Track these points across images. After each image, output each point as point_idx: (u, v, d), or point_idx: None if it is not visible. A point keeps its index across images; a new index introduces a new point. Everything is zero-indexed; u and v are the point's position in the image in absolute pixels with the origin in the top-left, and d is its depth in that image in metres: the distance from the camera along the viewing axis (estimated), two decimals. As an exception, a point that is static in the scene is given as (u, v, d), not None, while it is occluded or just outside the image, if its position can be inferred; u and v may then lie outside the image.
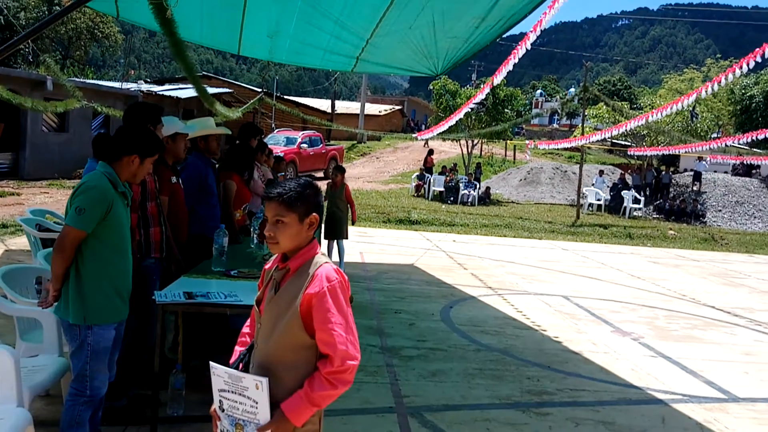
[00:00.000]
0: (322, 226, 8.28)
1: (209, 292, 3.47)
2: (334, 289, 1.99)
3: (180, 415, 3.77)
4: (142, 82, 31.09)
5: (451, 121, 13.26)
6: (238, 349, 2.26)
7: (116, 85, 25.53)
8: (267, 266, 2.20)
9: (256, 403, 1.93)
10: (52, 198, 14.67)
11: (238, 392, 1.96)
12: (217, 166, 5.31)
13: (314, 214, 2.08)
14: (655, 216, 21.84)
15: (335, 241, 8.78)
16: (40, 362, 3.31)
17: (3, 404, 2.66)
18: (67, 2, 9.32)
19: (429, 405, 4.36)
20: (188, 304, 3.32)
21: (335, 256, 8.70)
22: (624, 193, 21.74)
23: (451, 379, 4.90)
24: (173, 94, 24.42)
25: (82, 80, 25.95)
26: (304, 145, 23.16)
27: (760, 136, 15.46)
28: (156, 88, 25.61)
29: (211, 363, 2.03)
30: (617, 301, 8.43)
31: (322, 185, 8.07)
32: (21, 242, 8.72)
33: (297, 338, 1.98)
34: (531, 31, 8.05)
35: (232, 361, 2.20)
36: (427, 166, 23.44)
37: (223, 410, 2.03)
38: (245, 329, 2.30)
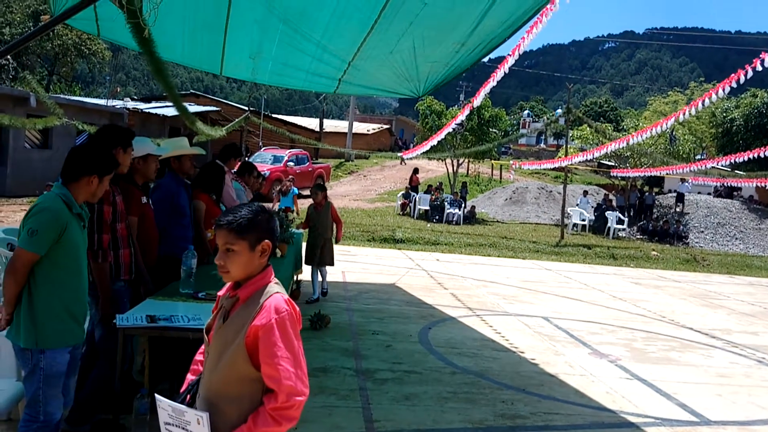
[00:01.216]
0: (302, 251, 7.93)
1: (172, 315, 3.42)
2: (282, 322, 1.93)
3: (144, 440, 3.70)
4: (128, 99, 31.04)
5: (433, 141, 13.34)
6: (189, 377, 2.21)
7: (102, 102, 25.47)
8: (220, 293, 2.17)
9: None
10: (33, 215, 14.51)
11: (182, 426, 1.92)
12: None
13: (266, 241, 2.05)
14: (638, 237, 22.00)
15: (319, 268, 8.16)
16: (-4, 387, 3.24)
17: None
18: (48, 19, 9.29)
19: (400, 430, 4.30)
20: (150, 328, 3.27)
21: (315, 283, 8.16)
22: (608, 213, 21.89)
23: (424, 403, 4.85)
24: (159, 111, 24.38)
25: (67, 97, 25.87)
26: (291, 164, 23.18)
27: (741, 159, 15.66)
28: (142, 106, 25.57)
29: (156, 395, 1.99)
30: (597, 322, 8.43)
31: (306, 204, 8.06)
32: (-4, 260, 8.60)
33: (242, 370, 1.93)
34: (509, 55, 8.13)
35: (182, 390, 2.16)
36: (413, 185, 23.51)
37: None
38: (198, 356, 2.25)
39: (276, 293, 2.01)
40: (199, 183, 5.36)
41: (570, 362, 6.39)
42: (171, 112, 24.11)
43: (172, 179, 4.90)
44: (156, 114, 24.16)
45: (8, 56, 21.82)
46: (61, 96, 25.85)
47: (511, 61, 7.65)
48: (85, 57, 41.49)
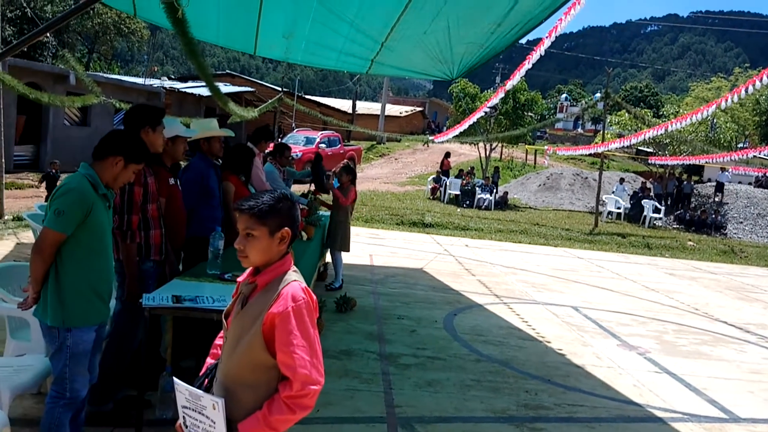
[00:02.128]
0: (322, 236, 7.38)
1: (198, 296, 3.46)
2: (299, 310, 1.93)
3: (169, 417, 3.76)
4: (165, 78, 31.42)
5: (464, 125, 13.18)
6: (208, 361, 2.23)
7: (139, 80, 25.83)
8: (240, 278, 2.17)
9: (214, 423, 1.90)
10: (71, 191, 14.87)
11: (198, 410, 1.94)
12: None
13: (286, 228, 2.04)
14: (675, 226, 21.49)
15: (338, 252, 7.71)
16: (26, 362, 3.33)
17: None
18: (86, -1, 9.44)
19: (421, 416, 4.30)
20: (175, 309, 3.31)
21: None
22: (644, 201, 21.42)
23: (446, 390, 4.83)
24: (195, 91, 24.64)
25: (105, 75, 26.31)
26: (323, 145, 23.25)
27: (785, 148, 15.12)
28: (178, 85, 25.88)
29: (174, 379, 2.01)
30: (628, 313, 8.29)
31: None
32: (33, 236, 8.84)
33: (258, 357, 1.94)
34: (546, 37, 7.97)
35: (201, 373, 2.18)
36: (444, 169, 23.33)
37: (186, 426, 2.02)
38: (218, 340, 2.27)
39: (294, 281, 2.01)
40: (228, 164, 5.39)
41: (598, 353, 6.30)
42: (207, 92, 24.34)
43: (202, 160, 4.93)
44: (192, 93, 24.43)
45: (49, 34, 22.24)
46: (100, 74, 26.32)
47: (547, 43, 7.50)
48: (124, 36, 42.13)
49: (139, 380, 3.67)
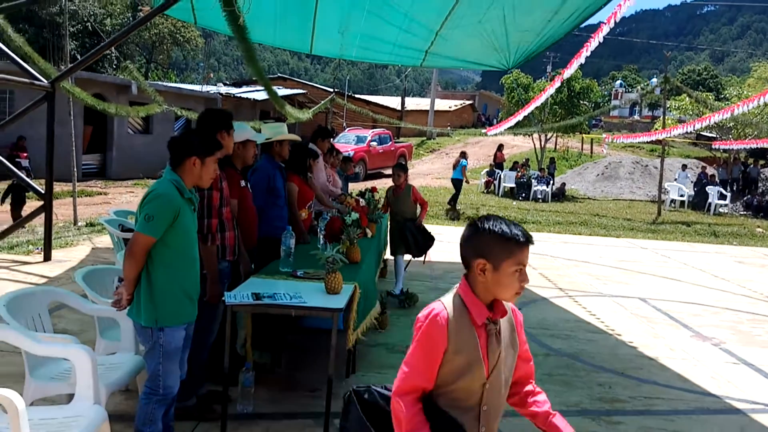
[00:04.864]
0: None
1: (276, 293, 3.56)
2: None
3: (249, 412, 3.90)
4: (221, 84, 32.19)
5: (520, 115, 12.99)
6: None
7: (197, 87, 26.55)
8: (480, 321, 1.92)
9: None
10: (137, 197, 15.44)
11: None
12: None
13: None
14: (742, 212, 20.63)
15: (400, 256, 7.26)
16: (117, 360, 3.49)
17: (81, 402, 2.83)
18: (147, 11, 9.81)
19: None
20: (255, 305, 3.42)
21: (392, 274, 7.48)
22: (709, 188, 20.65)
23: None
24: (250, 96, 25.15)
25: (165, 84, 27.15)
26: (374, 144, 23.36)
27: None
28: (234, 91, 26.45)
29: None
30: (698, 303, 8.03)
31: (388, 183, 8.04)
32: (107, 240, 9.23)
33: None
34: (605, 23, 7.79)
35: None
36: (497, 162, 23.07)
37: None
38: (418, 416, 1.89)
39: None
40: (289, 165, 5.51)
41: (670, 345, 6.13)
42: (261, 96, 24.82)
43: (268, 162, 5.06)
44: (247, 98, 24.94)
45: (112, 47, 23.10)
46: (159, 83, 27.20)
47: (606, 29, 7.32)
48: (179, 44, 43.42)
49: (221, 376, 3.79)
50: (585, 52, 8.26)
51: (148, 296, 2.89)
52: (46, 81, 7.96)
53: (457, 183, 16.46)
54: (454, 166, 16.61)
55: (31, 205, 9.80)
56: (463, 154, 17.19)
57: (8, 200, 9.91)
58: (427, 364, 1.88)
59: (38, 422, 2.65)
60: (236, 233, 4.00)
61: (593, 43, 7.95)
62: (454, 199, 16.55)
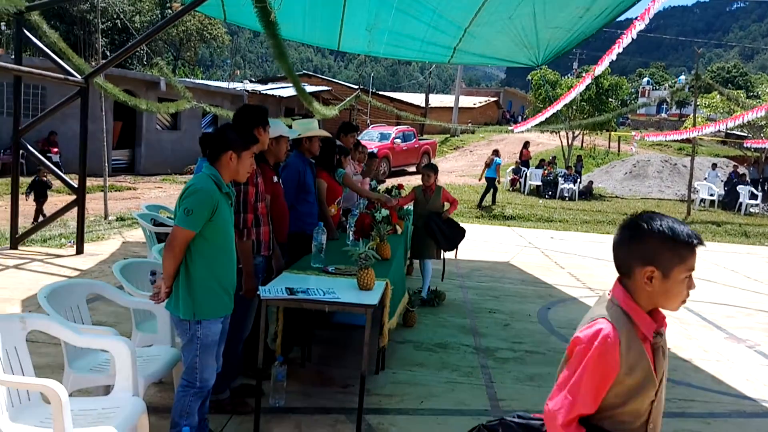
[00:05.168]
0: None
1: (309, 288, 3.56)
2: None
3: (281, 405, 3.92)
4: (247, 81, 32.43)
5: (548, 112, 12.86)
6: None
7: (223, 84, 26.79)
8: (648, 331, 1.78)
9: None
10: (165, 192, 15.63)
11: None
12: None
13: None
14: (774, 213, 20.19)
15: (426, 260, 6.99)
16: (154, 352, 3.53)
17: (120, 393, 2.87)
18: (178, 7, 9.90)
19: (526, 410, 4.21)
20: (290, 300, 3.43)
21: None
22: (739, 187, 20.23)
23: (549, 385, 4.66)
24: (275, 93, 25.30)
25: (192, 80, 27.43)
26: (398, 141, 23.30)
27: None
28: (260, 88, 26.64)
29: None
30: (732, 305, 7.87)
31: (412, 182, 8.00)
32: (137, 234, 9.36)
33: None
34: (638, 19, 7.67)
35: None
36: (523, 160, 22.88)
37: None
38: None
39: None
40: (319, 161, 5.52)
41: (704, 347, 6.02)
42: (286, 93, 24.97)
43: (299, 158, 5.07)
44: (273, 95, 25.09)
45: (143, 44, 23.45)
46: (187, 79, 27.50)
47: (639, 26, 7.20)
48: (206, 42, 43.84)
49: (253, 369, 3.82)
50: (617, 49, 8.14)
51: (187, 289, 2.92)
52: (79, 77, 8.09)
53: (491, 182, 16.54)
54: (488, 165, 16.68)
55: (62, 199, 9.98)
56: (496, 152, 17.23)
57: (31, 195, 10.04)
58: (597, 392, 1.72)
59: (78, 413, 2.69)
60: (270, 228, 4.02)
61: (625, 40, 7.82)
62: (492, 198, 16.90)
